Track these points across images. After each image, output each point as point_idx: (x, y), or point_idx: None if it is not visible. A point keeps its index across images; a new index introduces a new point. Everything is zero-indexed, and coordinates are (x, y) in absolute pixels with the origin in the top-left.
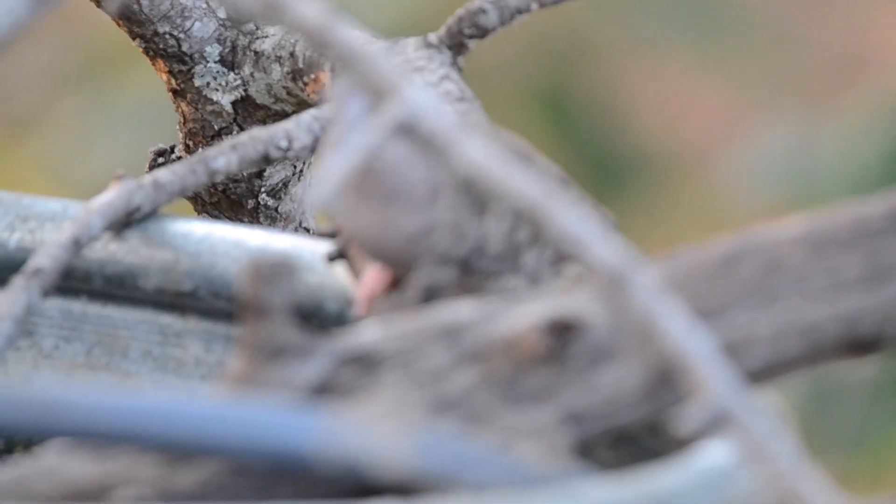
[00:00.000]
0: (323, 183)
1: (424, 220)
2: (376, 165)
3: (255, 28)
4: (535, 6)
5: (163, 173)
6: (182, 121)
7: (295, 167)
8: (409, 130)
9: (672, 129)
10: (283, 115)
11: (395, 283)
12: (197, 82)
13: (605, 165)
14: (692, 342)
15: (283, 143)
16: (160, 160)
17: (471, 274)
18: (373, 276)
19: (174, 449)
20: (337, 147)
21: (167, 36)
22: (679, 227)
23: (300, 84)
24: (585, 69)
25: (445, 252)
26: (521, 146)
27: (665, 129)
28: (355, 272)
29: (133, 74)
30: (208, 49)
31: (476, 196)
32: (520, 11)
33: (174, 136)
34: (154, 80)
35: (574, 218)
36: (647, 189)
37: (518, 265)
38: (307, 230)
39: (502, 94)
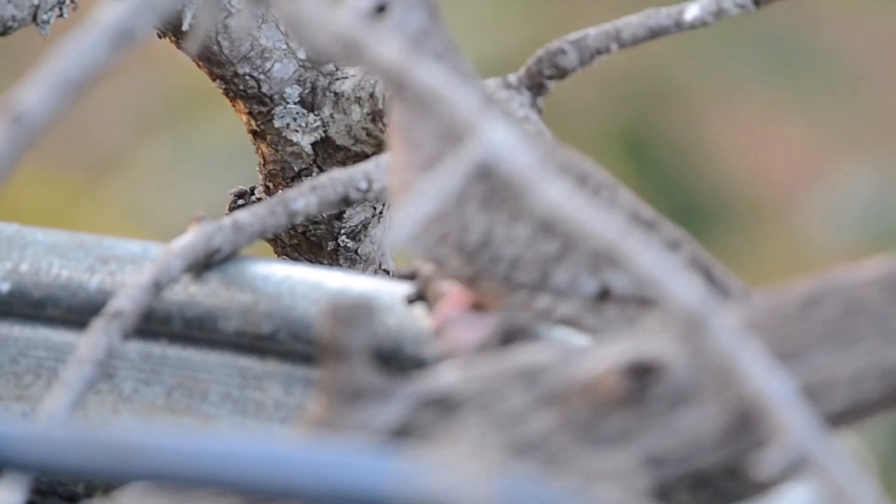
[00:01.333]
0: (402, 225)
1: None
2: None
3: (334, 69)
4: (614, 47)
5: (243, 215)
6: (262, 162)
7: (374, 209)
8: (488, 171)
9: (754, 171)
10: (363, 156)
11: (474, 308)
12: (277, 123)
13: (687, 208)
14: (772, 385)
15: (363, 185)
16: (240, 202)
17: (493, 279)
18: (450, 301)
19: (254, 492)
20: (417, 189)
21: (247, 77)
22: (762, 269)
23: (380, 125)
24: (667, 111)
25: (464, 245)
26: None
27: (747, 171)
28: (434, 315)
29: (213, 116)
30: (288, 90)
31: (503, 200)
32: (599, 52)
33: (254, 177)
34: (234, 121)
35: (652, 258)
36: (730, 232)
37: (546, 282)
38: (387, 272)
39: (583, 136)
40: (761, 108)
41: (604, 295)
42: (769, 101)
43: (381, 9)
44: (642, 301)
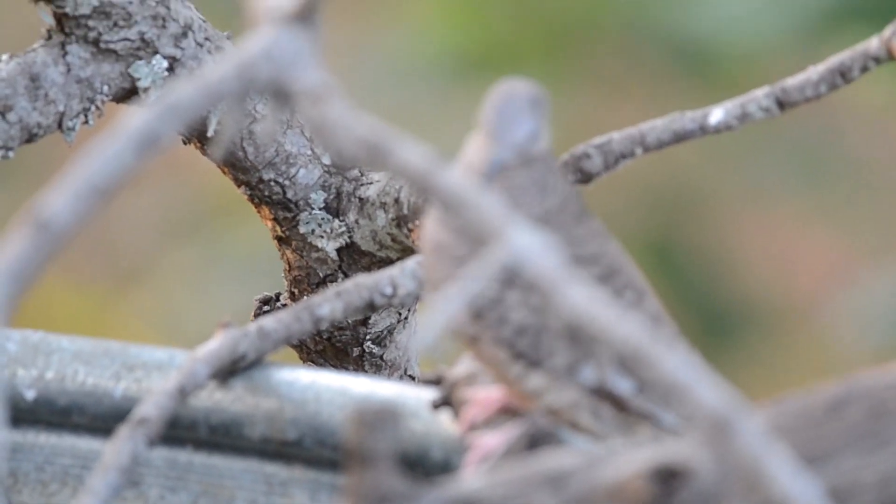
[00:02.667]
0: (428, 330)
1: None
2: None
3: (359, 174)
4: (639, 151)
5: (268, 321)
6: (287, 268)
7: (400, 314)
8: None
9: (781, 276)
10: (388, 262)
11: (499, 412)
12: (302, 229)
13: (714, 314)
14: (799, 488)
15: (388, 290)
16: (265, 308)
17: (496, 343)
18: (475, 406)
19: None
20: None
21: (272, 183)
22: (788, 373)
23: (405, 230)
24: (694, 217)
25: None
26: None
27: (774, 276)
28: (461, 419)
29: (239, 222)
30: (313, 196)
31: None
32: (624, 156)
33: (280, 283)
34: (260, 227)
35: (678, 363)
36: (757, 336)
37: (543, 359)
38: (412, 377)
39: None
40: (788, 214)
41: (603, 394)
42: (796, 208)
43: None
44: (640, 414)
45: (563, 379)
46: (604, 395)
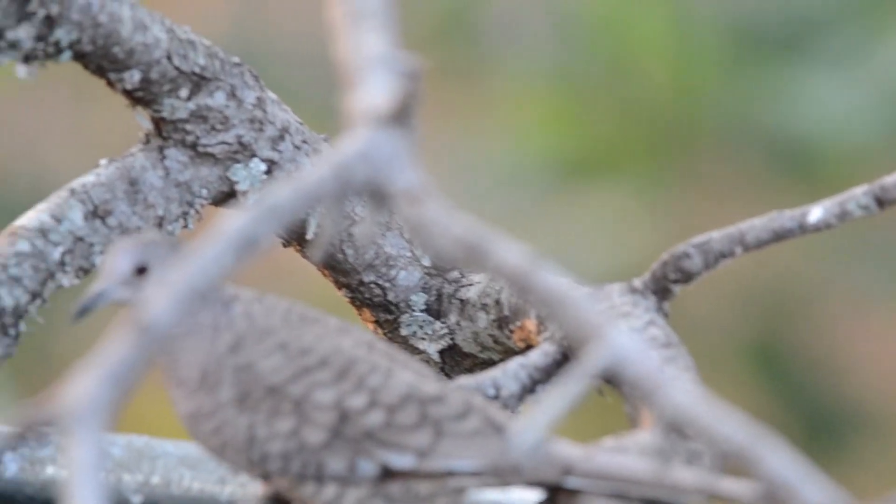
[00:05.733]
0: (529, 431)
1: (196, 406)
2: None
3: (459, 276)
4: (738, 250)
5: None
6: None
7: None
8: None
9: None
10: (490, 363)
11: None
12: (403, 332)
13: (818, 419)
14: None
15: (491, 392)
16: None
17: (268, 475)
18: None
19: None
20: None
21: (373, 285)
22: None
23: (506, 332)
24: (797, 318)
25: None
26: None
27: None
28: None
29: None
30: (414, 298)
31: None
32: (724, 255)
33: None
34: None
35: (783, 462)
36: (863, 441)
37: (321, 472)
38: None
39: (710, 342)
40: (892, 313)
41: (385, 475)
42: None
43: (140, 270)
44: (426, 475)
45: (350, 479)
46: (390, 477)
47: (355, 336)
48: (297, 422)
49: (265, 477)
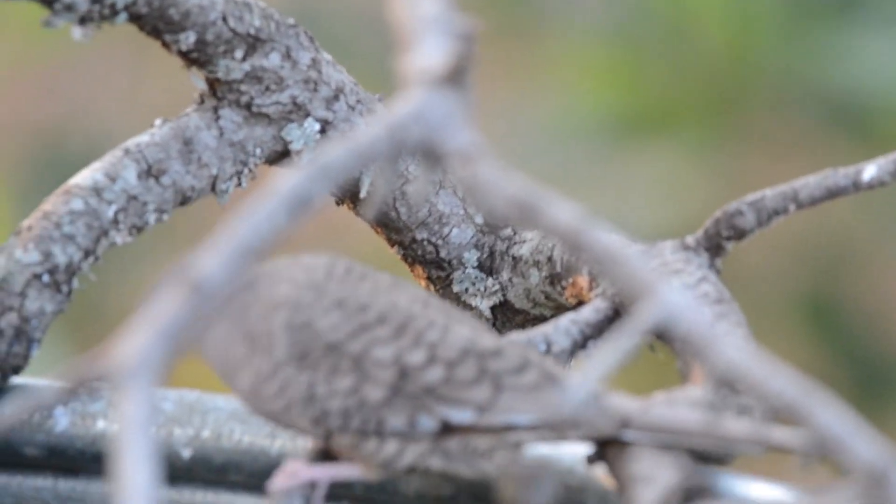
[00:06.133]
0: (580, 388)
1: (254, 374)
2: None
3: (512, 233)
4: (792, 207)
5: None
6: None
7: None
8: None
9: None
10: (542, 320)
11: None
12: (455, 288)
13: (870, 374)
14: None
15: (542, 347)
16: None
17: (329, 434)
18: (285, 472)
19: None
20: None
21: (425, 243)
22: None
23: (558, 288)
24: (849, 274)
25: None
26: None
27: None
28: (616, 474)
29: None
30: (466, 255)
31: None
32: (777, 213)
33: None
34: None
35: (833, 416)
36: None
37: (382, 428)
38: None
39: (762, 298)
40: None
41: (444, 430)
42: None
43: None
44: (485, 430)
45: (410, 435)
46: (449, 432)
47: (410, 292)
48: (357, 379)
49: (326, 435)
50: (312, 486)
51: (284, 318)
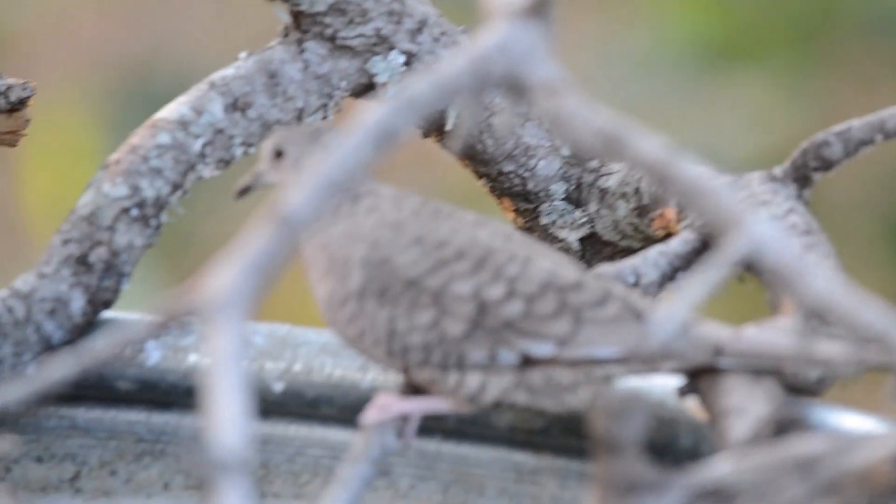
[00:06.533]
0: (665, 323)
1: (329, 291)
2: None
3: (599, 165)
4: (879, 137)
5: None
6: None
7: None
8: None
9: None
10: (630, 252)
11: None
12: (543, 220)
13: None
14: None
15: (631, 279)
16: None
17: (409, 366)
18: (378, 405)
19: None
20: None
21: (512, 175)
22: None
23: (646, 220)
24: None
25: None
26: None
27: None
28: (708, 406)
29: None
30: (554, 187)
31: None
32: (864, 143)
33: None
34: (502, 219)
35: None
36: None
37: (463, 362)
38: None
39: (850, 229)
40: None
41: (525, 364)
42: None
43: (278, 154)
44: (567, 363)
45: (492, 369)
46: (530, 365)
47: (492, 228)
48: (437, 314)
49: (404, 369)
50: (404, 419)
51: (363, 254)
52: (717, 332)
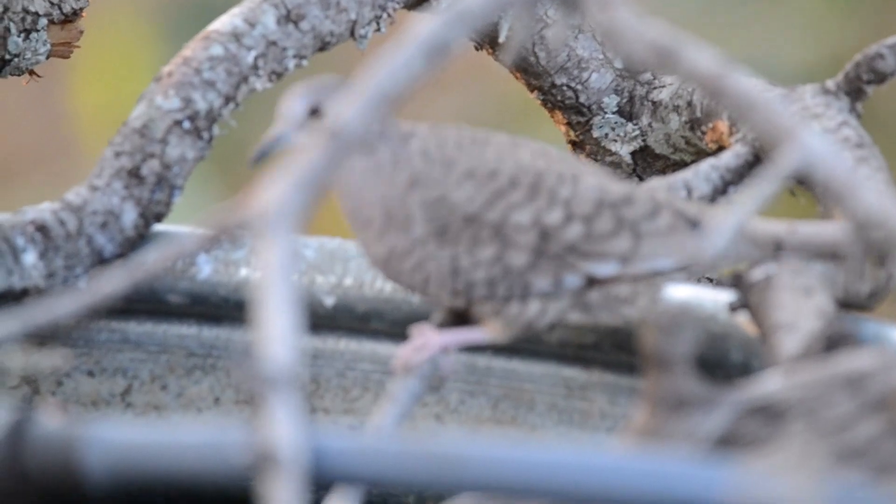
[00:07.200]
0: (720, 234)
1: (389, 247)
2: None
3: (651, 78)
4: None
5: None
6: None
7: None
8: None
9: None
10: (682, 165)
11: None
12: (595, 133)
13: None
14: None
15: (683, 193)
16: None
17: (472, 302)
18: (417, 345)
19: (580, 502)
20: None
21: (564, 88)
22: None
23: (698, 133)
24: None
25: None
26: None
27: None
28: (758, 321)
29: (533, 127)
30: (606, 100)
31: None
32: None
33: None
34: (554, 132)
35: None
36: None
37: (528, 292)
38: (710, 280)
39: None
40: None
41: (589, 284)
42: None
43: (314, 112)
44: (631, 279)
45: (554, 294)
46: (593, 284)
47: (529, 147)
48: (500, 247)
49: (469, 304)
50: (443, 351)
51: (420, 197)
52: (772, 226)
